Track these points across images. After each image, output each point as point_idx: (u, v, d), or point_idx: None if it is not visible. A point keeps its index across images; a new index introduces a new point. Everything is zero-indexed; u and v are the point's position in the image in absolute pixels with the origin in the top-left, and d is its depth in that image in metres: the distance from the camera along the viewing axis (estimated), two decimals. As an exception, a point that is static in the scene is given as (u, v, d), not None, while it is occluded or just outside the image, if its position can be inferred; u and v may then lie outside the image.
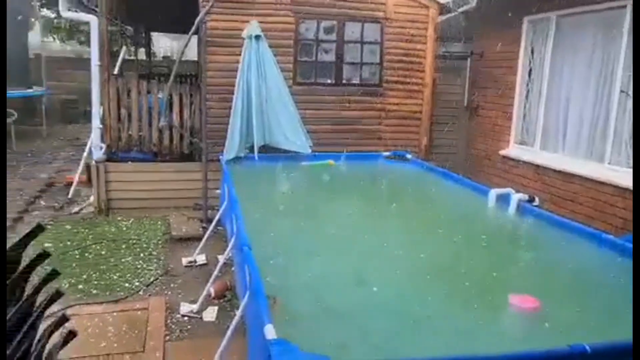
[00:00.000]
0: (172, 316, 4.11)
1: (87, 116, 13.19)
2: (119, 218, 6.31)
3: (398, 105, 6.99)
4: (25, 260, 1.84)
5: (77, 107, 13.31)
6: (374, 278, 2.97)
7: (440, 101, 7.39)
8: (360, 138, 6.88)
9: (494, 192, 4.38)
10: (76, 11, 7.23)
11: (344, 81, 6.87)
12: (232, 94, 6.23)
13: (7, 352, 1.59)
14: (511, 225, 4.10)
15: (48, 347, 1.88)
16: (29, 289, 1.87)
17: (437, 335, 2.40)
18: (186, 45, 6.34)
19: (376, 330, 2.41)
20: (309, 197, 4.94)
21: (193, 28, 5.90)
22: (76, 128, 12.61)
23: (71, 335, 1.98)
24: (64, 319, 1.97)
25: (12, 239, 1.79)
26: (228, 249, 4.28)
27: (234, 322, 3.25)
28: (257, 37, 6.13)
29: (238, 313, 3.24)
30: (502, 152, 6.87)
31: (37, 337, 1.84)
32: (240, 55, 6.21)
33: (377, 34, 6.84)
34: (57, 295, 2.00)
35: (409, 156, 6.11)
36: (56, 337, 1.95)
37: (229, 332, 3.22)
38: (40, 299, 1.92)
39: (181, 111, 6.62)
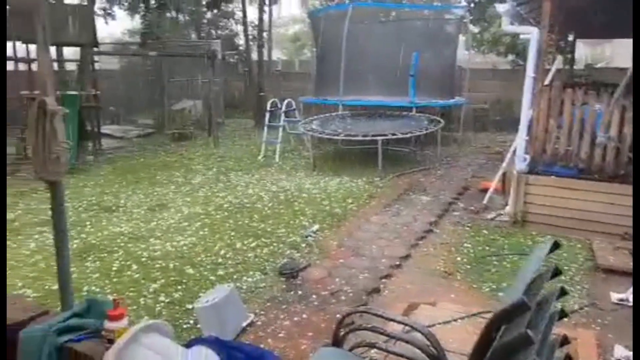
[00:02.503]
0: (604, 356, 3.64)
1: (497, 125, 13.70)
2: (533, 232, 6.14)
3: None
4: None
5: (488, 116, 13.94)
6: None
7: None
8: None
9: None
10: (512, 23, 7.38)
11: None
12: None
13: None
14: None
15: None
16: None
17: None
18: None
19: None
20: None
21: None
22: (486, 136, 13.26)
23: (568, 358, 1.88)
24: (565, 340, 1.89)
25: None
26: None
27: None
28: None
29: None
30: None
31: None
32: None
33: None
34: (563, 314, 1.93)
35: None
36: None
37: None
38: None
39: (621, 126, 5.86)
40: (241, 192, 8.22)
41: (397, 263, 5.38)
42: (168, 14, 17.79)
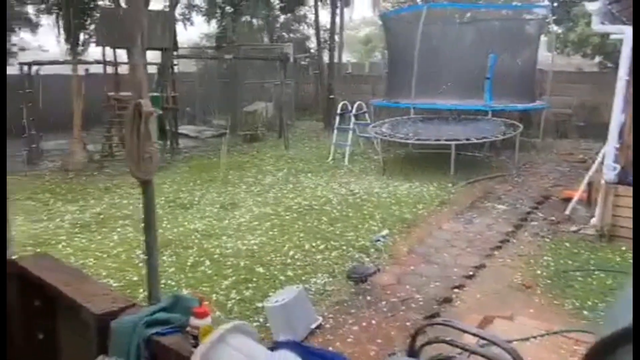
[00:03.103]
0: None
1: (581, 131, 12.85)
2: (623, 247, 5.67)
3: None
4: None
5: (571, 121, 13.13)
6: None
7: None
8: None
9: None
10: (603, 23, 6.89)
11: None
12: None
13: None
14: None
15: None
16: None
17: None
18: None
19: None
20: None
21: None
22: (568, 143, 12.45)
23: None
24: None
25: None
26: None
27: None
28: None
29: None
30: None
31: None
32: None
33: None
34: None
35: None
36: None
37: None
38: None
39: None
40: (310, 194, 8.26)
41: (471, 273, 5.17)
42: (242, 19, 18.32)
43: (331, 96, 15.52)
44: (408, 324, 4.23)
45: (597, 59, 13.68)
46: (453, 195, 8.07)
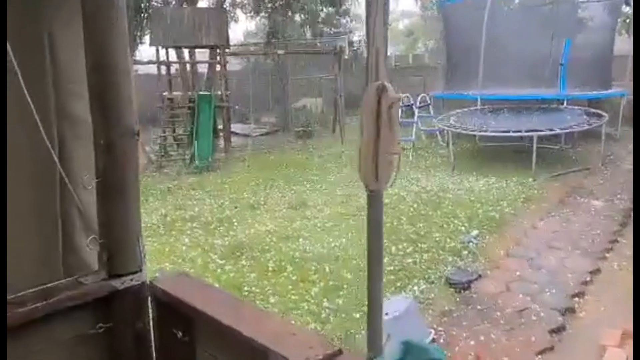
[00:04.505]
0: None
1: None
2: None
3: None
4: None
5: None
6: None
7: None
8: None
9: None
10: None
11: None
12: None
13: None
14: None
15: None
16: None
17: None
18: None
19: None
20: None
21: None
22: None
23: None
24: None
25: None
26: None
27: None
28: None
29: None
30: None
31: None
32: None
33: None
34: None
35: None
36: None
37: None
38: None
39: None
40: (380, 192, 7.79)
41: (587, 279, 4.62)
42: (283, 17, 17.92)
43: (384, 90, 14.97)
44: (533, 339, 3.74)
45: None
46: (537, 190, 7.44)
